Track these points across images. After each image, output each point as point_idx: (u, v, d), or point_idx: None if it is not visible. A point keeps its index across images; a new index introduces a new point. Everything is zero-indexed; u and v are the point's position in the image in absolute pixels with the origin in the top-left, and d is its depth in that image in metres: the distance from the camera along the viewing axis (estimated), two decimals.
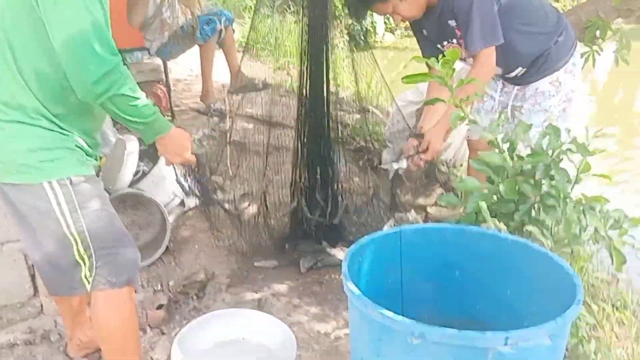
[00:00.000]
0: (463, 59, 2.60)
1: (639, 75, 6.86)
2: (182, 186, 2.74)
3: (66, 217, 1.64)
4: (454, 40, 2.51)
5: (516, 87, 2.59)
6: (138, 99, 1.61)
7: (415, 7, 2.45)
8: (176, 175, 2.75)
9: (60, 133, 1.65)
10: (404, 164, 2.53)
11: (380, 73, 2.87)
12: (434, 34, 2.54)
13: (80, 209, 1.65)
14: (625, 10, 2.71)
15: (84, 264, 1.70)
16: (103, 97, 1.54)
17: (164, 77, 4.74)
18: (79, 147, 1.69)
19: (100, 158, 1.98)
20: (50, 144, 1.62)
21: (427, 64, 1.83)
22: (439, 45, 2.58)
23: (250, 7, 8.01)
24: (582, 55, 2.65)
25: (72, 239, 1.66)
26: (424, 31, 2.57)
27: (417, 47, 2.71)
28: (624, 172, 4.87)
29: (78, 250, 1.68)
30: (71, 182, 1.64)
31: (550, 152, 1.92)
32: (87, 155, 1.73)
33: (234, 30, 4.54)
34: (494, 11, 2.34)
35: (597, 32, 2.68)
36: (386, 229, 2.53)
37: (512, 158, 1.95)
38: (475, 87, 1.94)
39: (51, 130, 1.63)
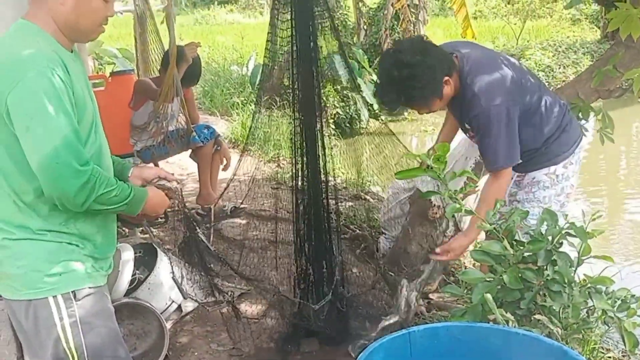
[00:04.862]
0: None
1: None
2: (180, 289, 2.70)
3: (67, 332, 1.63)
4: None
5: (516, 174, 2.58)
6: (114, 188, 1.64)
7: (445, 102, 2.46)
8: (173, 276, 2.72)
9: (68, 243, 1.66)
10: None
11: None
12: (458, 115, 2.56)
13: (81, 324, 1.64)
14: (604, 91, 2.78)
15: None
16: (86, 205, 1.58)
17: None
18: (89, 256, 1.70)
19: None
20: (56, 258, 1.63)
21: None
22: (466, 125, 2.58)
23: (238, 104, 8.18)
24: None
25: (70, 354, 1.64)
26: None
27: (402, 130, 2.73)
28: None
29: None
30: (75, 296, 1.64)
31: (549, 237, 1.92)
32: (97, 261, 1.73)
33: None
34: (517, 131, 2.34)
35: (580, 114, 2.74)
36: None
37: (512, 246, 1.94)
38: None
39: (58, 242, 1.64)
